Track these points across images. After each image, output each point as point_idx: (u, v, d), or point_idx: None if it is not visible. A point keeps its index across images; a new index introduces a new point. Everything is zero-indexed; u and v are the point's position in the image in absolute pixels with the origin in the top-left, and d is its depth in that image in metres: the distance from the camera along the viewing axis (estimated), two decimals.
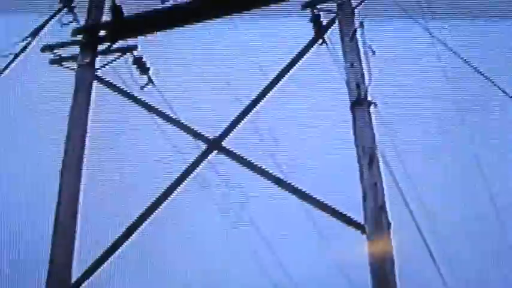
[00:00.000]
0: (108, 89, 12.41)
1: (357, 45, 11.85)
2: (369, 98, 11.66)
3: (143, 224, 11.55)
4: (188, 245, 11.73)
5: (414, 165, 11.89)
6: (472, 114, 12.17)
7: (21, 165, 12.13)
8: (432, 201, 11.78)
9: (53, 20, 12.68)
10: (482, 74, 11.63)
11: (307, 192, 11.55)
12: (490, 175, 11.96)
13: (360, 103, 11.61)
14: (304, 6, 12.12)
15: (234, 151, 11.94)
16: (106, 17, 12.59)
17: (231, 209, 11.86)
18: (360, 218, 11.16)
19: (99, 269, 11.54)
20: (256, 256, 11.73)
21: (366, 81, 11.73)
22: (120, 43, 12.55)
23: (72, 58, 12.47)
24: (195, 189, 11.93)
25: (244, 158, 11.82)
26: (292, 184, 11.64)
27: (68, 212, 11.54)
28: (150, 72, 12.69)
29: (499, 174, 11.92)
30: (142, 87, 12.63)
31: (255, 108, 12.11)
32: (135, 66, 12.67)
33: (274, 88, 12.12)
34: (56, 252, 11.34)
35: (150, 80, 12.69)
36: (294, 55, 12.13)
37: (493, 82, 11.55)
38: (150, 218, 11.54)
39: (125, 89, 12.46)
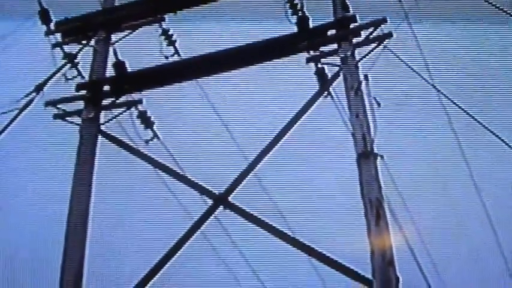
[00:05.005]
0: (112, 143, 12.33)
1: (362, 97, 11.75)
2: (375, 150, 11.53)
3: (149, 283, 11.41)
4: None
5: (422, 218, 11.77)
6: (478, 164, 12.08)
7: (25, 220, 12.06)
8: (441, 255, 11.65)
9: (56, 75, 12.69)
10: (485, 127, 11.53)
11: (313, 247, 11.41)
12: (499, 226, 11.87)
13: (366, 156, 11.47)
14: (309, 60, 12.10)
15: (240, 206, 11.83)
16: (109, 73, 12.59)
17: (236, 265, 11.74)
18: (367, 273, 11.00)
19: None
20: None
21: (372, 133, 11.61)
22: (124, 97, 12.51)
23: (76, 113, 12.42)
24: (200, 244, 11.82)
25: (250, 213, 11.70)
26: (298, 239, 11.51)
27: (73, 269, 11.42)
28: (155, 126, 12.65)
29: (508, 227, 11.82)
30: (147, 142, 12.57)
31: (260, 162, 12.02)
32: (140, 120, 12.64)
33: (280, 142, 12.04)
34: None
35: (155, 135, 12.64)
36: (299, 108, 12.07)
37: (497, 136, 11.43)
38: (155, 277, 11.42)
39: (129, 144, 12.39)
